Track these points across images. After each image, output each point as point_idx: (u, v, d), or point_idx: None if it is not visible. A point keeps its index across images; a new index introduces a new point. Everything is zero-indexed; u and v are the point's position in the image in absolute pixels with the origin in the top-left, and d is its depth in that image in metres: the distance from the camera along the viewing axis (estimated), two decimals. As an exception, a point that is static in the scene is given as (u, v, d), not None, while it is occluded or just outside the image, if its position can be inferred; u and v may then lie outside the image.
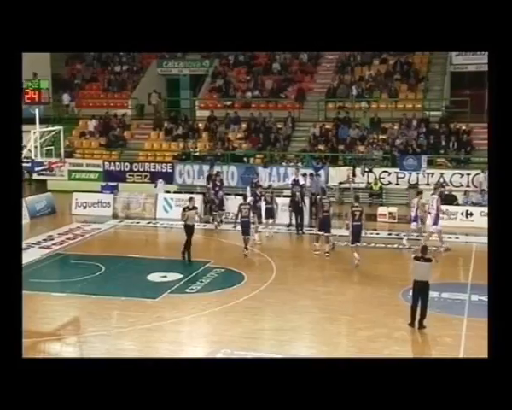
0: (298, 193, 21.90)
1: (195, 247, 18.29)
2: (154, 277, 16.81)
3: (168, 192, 25.88)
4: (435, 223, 19.46)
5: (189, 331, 13.52)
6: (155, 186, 26.13)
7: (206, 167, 27.50)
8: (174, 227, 22.86)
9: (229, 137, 29.84)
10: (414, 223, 19.96)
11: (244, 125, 30.49)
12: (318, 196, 20.48)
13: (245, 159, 28.94)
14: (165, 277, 16.76)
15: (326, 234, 18.70)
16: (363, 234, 18.15)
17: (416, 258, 12.97)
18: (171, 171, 28.49)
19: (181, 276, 16.73)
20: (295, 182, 22.36)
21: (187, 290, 15.73)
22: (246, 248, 18.67)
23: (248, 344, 12.32)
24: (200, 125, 31.28)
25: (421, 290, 12.79)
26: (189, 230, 18.16)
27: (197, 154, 29.35)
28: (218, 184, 23.20)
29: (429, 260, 12.96)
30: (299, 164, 27.44)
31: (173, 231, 22.62)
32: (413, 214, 20.08)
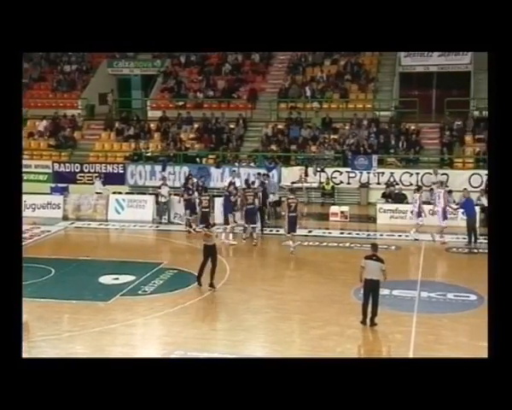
0: (233, 193, 21.29)
1: (148, 248, 18.12)
2: (106, 279, 16.59)
3: (120, 193, 25.57)
4: (445, 218, 20.18)
5: (142, 334, 13.39)
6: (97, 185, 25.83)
7: (158, 168, 27.29)
8: (126, 228, 22.63)
9: (181, 138, 29.68)
10: (420, 218, 20.44)
11: (196, 126, 30.38)
12: (287, 197, 20.45)
13: (197, 159, 28.84)
14: (117, 279, 16.56)
15: (294, 234, 19.06)
16: (316, 233, 18.29)
17: (368, 257, 13.13)
18: (122, 172, 28.16)
19: (133, 278, 16.55)
20: (230, 183, 22.27)
21: (139, 292, 15.57)
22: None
23: (202, 345, 12.27)
24: (152, 125, 31.02)
25: (372, 289, 12.93)
26: (208, 251, 15.74)
27: (149, 154, 29.10)
28: (190, 187, 22.87)
29: (380, 260, 13.09)
30: (252, 164, 27.54)
31: (125, 232, 22.39)
32: (416, 210, 20.59)
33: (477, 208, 21.70)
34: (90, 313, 14.08)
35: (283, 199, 19.75)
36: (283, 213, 19.87)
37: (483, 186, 24.34)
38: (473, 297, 14.61)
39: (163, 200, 23.21)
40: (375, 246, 13.48)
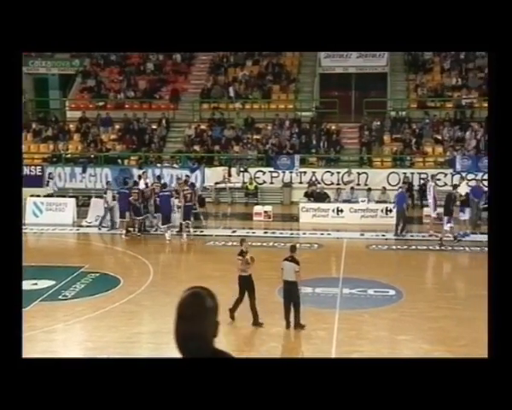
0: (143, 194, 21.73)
1: (68, 252, 17.66)
2: (24, 284, 16.04)
3: (38, 196, 24.83)
4: (435, 209, 20.78)
5: (63, 340, 13.04)
6: None
7: (78, 170, 26.70)
8: (45, 232, 22.01)
9: (101, 139, 29.13)
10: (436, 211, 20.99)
11: (118, 127, 29.90)
12: (182, 188, 21.60)
13: (119, 161, 28.38)
14: (35, 284, 16.05)
15: (189, 222, 20.52)
16: (239, 233, 18.35)
17: (285, 258, 12.99)
18: (40, 174, 27.35)
19: (53, 283, 16.10)
20: (135, 184, 22.47)
21: (60, 297, 15.17)
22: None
23: (126, 349, 12.08)
24: (72, 126, 30.30)
25: (287, 290, 12.80)
26: (245, 283, 13.22)
27: (68, 156, 28.41)
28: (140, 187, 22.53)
29: (295, 261, 12.88)
30: (175, 165, 27.39)
31: (44, 236, 21.76)
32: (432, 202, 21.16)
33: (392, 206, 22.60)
34: (8, 321, 13.59)
35: (186, 191, 21.01)
36: (179, 204, 21.03)
37: (401, 184, 25.15)
38: (392, 292, 15.03)
39: (106, 205, 22.17)
40: (293, 247, 13.28)
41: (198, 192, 23.35)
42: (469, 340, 12.04)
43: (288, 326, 12.95)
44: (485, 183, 22.69)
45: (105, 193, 22.68)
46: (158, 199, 21.28)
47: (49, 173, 26.86)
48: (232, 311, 13.27)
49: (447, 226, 19.79)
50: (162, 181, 23.55)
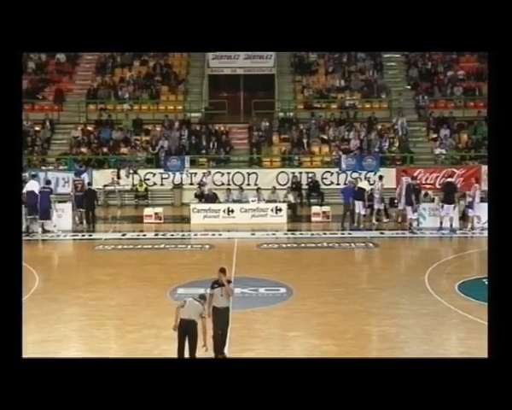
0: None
1: None
2: None
3: None
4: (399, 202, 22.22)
5: None
6: None
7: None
8: None
9: (-19, 141, 27.71)
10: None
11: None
12: (73, 179, 23.57)
13: (0, 164, 27.11)
14: None
15: (82, 210, 21.89)
16: (130, 236, 18.04)
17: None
18: None
19: None
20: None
21: None
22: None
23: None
24: None
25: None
26: (219, 315, 11.14)
27: None
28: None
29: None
30: (61, 168, 26.57)
31: None
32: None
33: (284, 205, 23.05)
34: None
35: (76, 181, 22.59)
36: (71, 193, 22.73)
37: (289, 184, 25.76)
38: (283, 290, 15.30)
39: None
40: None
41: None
42: (356, 332, 12.49)
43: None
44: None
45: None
46: (39, 195, 20.74)
47: None
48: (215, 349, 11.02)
49: (414, 215, 21.35)
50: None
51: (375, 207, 22.41)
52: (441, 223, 21.23)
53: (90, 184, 23.45)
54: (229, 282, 11.30)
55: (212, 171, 26.74)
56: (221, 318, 11.05)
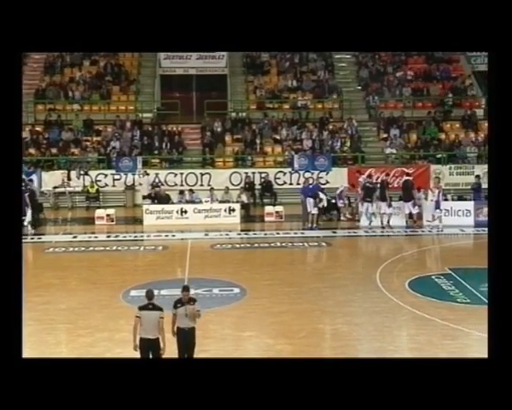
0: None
1: None
2: None
3: None
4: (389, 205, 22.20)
5: None
6: None
7: None
8: None
9: None
10: (437, 210, 21.59)
11: None
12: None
13: None
14: None
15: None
16: (81, 238, 17.75)
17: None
18: None
19: None
20: None
21: None
22: None
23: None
24: None
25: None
26: (184, 337, 10.17)
27: None
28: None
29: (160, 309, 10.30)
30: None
31: None
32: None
33: (237, 205, 23.07)
34: None
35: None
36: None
37: (242, 184, 25.78)
38: (236, 290, 15.30)
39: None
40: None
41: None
42: (309, 331, 12.58)
43: None
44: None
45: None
46: None
47: None
48: None
49: (414, 210, 21.69)
50: None
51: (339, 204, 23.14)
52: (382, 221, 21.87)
53: (28, 183, 22.90)
54: (192, 301, 10.28)
55: (165, 172, 26.58)
56: (186, 340, 10.05)
